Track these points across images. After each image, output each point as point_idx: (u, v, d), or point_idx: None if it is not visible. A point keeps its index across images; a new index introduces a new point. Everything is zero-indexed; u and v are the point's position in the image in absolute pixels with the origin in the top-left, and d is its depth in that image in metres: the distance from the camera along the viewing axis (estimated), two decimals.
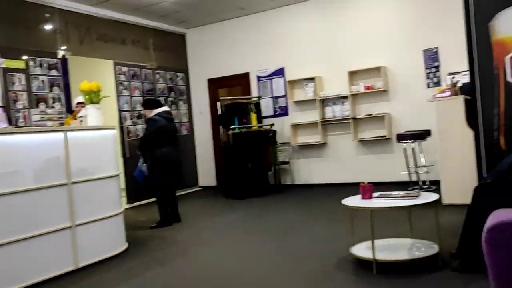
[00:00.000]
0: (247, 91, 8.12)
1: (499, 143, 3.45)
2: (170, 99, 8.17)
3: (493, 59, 3.42)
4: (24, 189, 3.43)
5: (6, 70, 5.53)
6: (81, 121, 4.30)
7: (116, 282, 3.39)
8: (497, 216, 1.77)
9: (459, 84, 5.14)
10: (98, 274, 3.63)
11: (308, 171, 7.70)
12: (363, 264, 3.20)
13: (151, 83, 7.78)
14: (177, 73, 8.45)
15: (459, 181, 4.79)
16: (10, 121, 5.28)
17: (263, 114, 7.82)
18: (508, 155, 3.26)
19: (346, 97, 7.20)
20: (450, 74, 5.46)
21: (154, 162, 5.19)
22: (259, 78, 8.08)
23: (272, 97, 7.95)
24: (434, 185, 5.85)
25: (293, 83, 7.75)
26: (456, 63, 6.04)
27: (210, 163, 8.57)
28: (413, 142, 5.90)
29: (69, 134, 3.81)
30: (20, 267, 3.35)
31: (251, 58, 8.08)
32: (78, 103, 5.31)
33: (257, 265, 3.50)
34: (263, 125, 7.51)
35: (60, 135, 3.76)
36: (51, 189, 3.62)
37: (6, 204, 3.31)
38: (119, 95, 7.12)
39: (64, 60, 6.23)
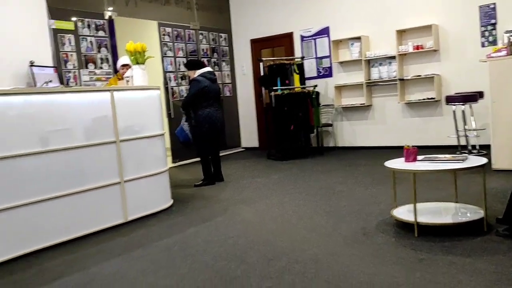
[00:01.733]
0: (290, 51, 7.98)
1: None
2: (213, 60, 8.19)
3: None
4: (76, 146, 3.62)
5: (57, 31, 5.71)
6: (128, 81, 4.42)
7: (161, 235, 3.56)
8: None
9: None
10: (145, 228, 3.83)
11: (351, 133, 7.59)
12: (404, 227, 3.18)
13: (194, 44, 7.81)
14: (220, 34, 8.41)
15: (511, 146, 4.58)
16: (61, 81, 5.51)
17: (306, 75, 7.69)
18: None
19: (393, 57, 6.94)
20: (507, 32, 5.08)
21: (198, 123, 5.28)
22: (302, 38, 7.90)
23: (316, 58, 7.78)
24: (484, 150, 5.62)
25: (338, 43, 7.53)
26: None
27: (253, 124, 8.62)
28: (463, 104, 5.64)
29: (115, 94, 3.93)
30: (74, 219, 3.58)
31: (295, 17, 7.88)
32: (123, 65, 5.43)
33: (297, 225, 3.56)
34: (306, 87, 7.41)
35: (107, 95, 3.89)
36: (100, 146, 3.80)
37: (61, 160, 3.51)
38: (163, 56, 7.21)
39: (110, 21, 6.35)
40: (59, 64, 5.66)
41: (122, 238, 3.59)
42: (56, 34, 5.71)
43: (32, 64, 5.21)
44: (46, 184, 3.40)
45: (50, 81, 4.95)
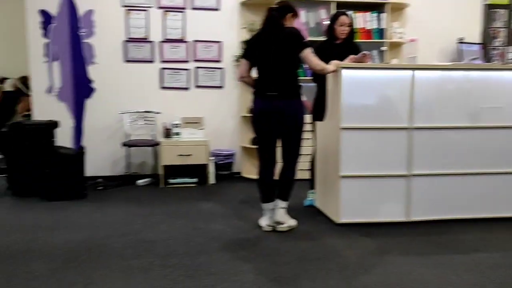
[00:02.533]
0: None
1: None
2: None
3: None
4: (508, 125, 3.49)
5: (489, 6, 5.55)
6: None
7: None
8: None
9: None
10: None
11: None
12: None
13: None
14: None
15: None
16: (486, 58, 5.39)
17: None
18: None
19: None
20: None
21: None
22: None
23: None
24: None
25: None
26: None
27: None
28: None
29: None
30: (489, 198, 3.52)
31: None
32: None
33: None
34: None
35: None
36: None
37: (489, 137, 3.47)
38: None
39: None
40: (487, 41, 5.51)
41: None
42: (488, 9, 5.55)
43: (460, 41, 5.32)
44: (468, 159, 3.46)
45: (476, 58, 4.92)
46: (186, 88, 5.17)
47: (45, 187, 4.22)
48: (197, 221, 3.53)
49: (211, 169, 4.93)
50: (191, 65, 5.15)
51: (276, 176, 3.31)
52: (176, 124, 4.92)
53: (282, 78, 3.12)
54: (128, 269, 2.59)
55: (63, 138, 4.83)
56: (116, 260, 2.73)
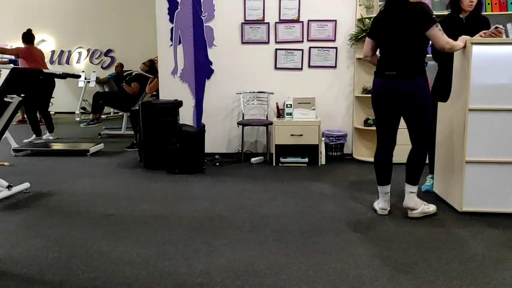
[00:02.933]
0: None
1: None
2: None
3: None
4: None
5: None
6: None
7: None
8: None
9: None
10: None
11: None
12: None
13: None
14: None
15: None
16: None
17: None
18: None
19: None
20: None
21: None
22: None
23: None
24: None
25: None
26: None
27: None
28: None
29: None
30: None
31: None
32: None
33: None
34: None
35: None
36: None
37: None
38: None
39: None
40: None
41: None
42: None
43: None
44: None
45: None
46: (299, 69, 5.19)
47: (170, 161, 4.62)
48: (309, 201, 3.58)
49: (322, 150, 4.94)
50: (304, 46, 5.15)
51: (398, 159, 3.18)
52: (289, 104, 4.99)
53: (404, 57, 2.97)
54: (246, 241, 2.74)
55: (185, 116, 5.22)
56: (235, 231, 2.91)
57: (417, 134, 3.06)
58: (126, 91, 7.03)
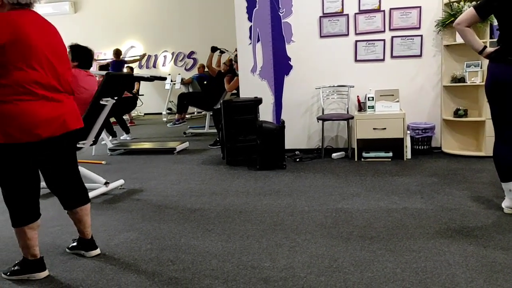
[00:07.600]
0: None
1: None
2: None
3: None
4: None
5: None
6: None
7: None
8: None
9: None
10: None
11: None
12: None
13: None
14: None
15: None
16: None
17: None
18: None
19: None
20: None
21: None
22: None
23: None
24: None
25: None
26: None
27: None
28: None
29: None
30: None
31: None
32: None
33: None
34: None
35: None
36: None
37: None
38: None
39: None
40: None
41: None
42: None
43: None
44: None
45: None
46: (381, 60, 5.00)
47: (251, 158, 4.70)
48: (394, 196, 3.44)
49: (408, 143, 4.71)
50: (386, 35, 4.94)
51: None
52: (370, 97, 4.83)
53: None
54: (329, 237, 2.71)
55: (265, 113, 5.27)
56: (317, 227, 2.88)
57: None
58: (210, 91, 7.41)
